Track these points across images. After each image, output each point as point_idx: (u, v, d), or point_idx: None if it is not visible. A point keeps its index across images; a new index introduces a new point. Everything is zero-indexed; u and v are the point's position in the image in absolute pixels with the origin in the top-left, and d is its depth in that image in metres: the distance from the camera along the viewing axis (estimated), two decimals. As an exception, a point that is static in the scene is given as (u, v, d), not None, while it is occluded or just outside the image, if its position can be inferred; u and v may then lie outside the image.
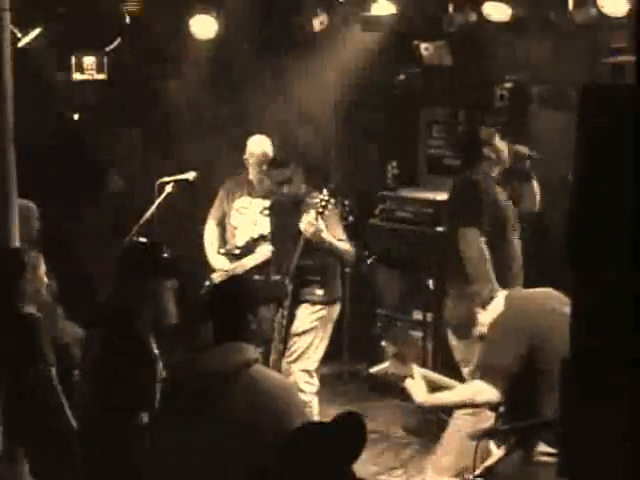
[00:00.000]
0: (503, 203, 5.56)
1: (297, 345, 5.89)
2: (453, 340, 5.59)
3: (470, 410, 5.12)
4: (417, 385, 4.43)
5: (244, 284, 4.06)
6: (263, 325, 3.83)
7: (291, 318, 5.86)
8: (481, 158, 5.57)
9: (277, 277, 5.91)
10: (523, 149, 5.67)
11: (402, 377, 4.44)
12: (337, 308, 6.09)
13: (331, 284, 6.01)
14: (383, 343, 6.82)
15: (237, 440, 3.49)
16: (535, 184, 5.80)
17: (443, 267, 6.09)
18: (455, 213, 5.66)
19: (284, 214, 6.06)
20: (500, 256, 5.44)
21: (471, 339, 5.09)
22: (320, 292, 5.91)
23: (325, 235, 5.76)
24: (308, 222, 5.68)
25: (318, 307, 5.92)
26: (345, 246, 5.97)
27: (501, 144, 5.58)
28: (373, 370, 4.73)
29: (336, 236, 5.89)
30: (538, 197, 5.84)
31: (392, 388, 6.99)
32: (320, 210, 5.68)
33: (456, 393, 4.51)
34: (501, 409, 4.92)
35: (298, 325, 5.90)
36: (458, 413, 5.24)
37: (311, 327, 5.91)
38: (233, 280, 4.80)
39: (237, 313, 3.72)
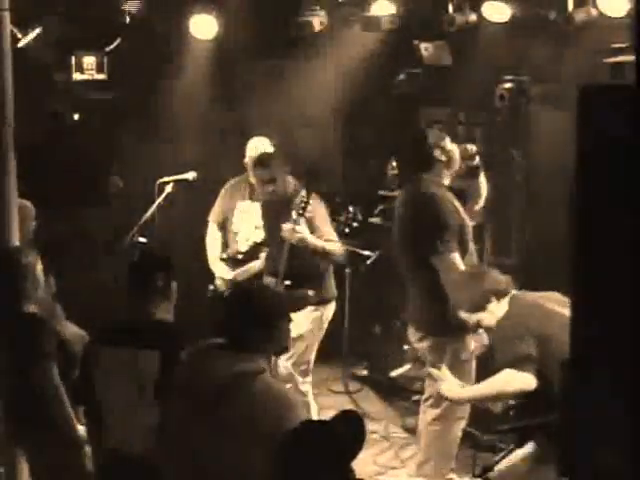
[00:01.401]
0: (460, 211, 5.17)
1: (294, 350, 5.84)
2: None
3: (438, 412, 5.13)
4: (450, 382, 4.46)
5: (260, 294, 4.00)
6: (276, 335, 3.80)
7: None
8: (432, 162, 5.17)
9: (270, 279, 5.86)
10: (470, 147, 5.42)
11: (422, 380, 4.47)
12: (332, 307, 6.04)
13: (324, 284, 5.97)
14: (405, 347, 6.80)
15: (239, 447, 3.50)
16: (482, 179, 5.46)
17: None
18: (423, 240, 5.04)
19: (274, 215, 6.00)
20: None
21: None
22: (313, 293, 5.87)
23: (309, 239, 5.71)
24: (289, 229, 5.65)
25: (312, 308, 5.88)
26: (332, 246, 5.91)
27: (452, 146, 5.21)
28: (394, 374, 4.72)
29: (323, 236, 5.82)
30: (484, 192, 5.51)
31: (393, 388, 7.03)
32: (300, 211, 5.63)
33: (487, 385, 4.50)
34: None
35: (293, 329, 5.84)
36: (429, 419, 5.24)
37: (307, 330, 5.87)
38: (249, 290, 4.76)
39: (251, 323, 3.69)
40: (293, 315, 5.77)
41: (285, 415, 3.54)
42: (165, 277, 4.16)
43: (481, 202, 5.54)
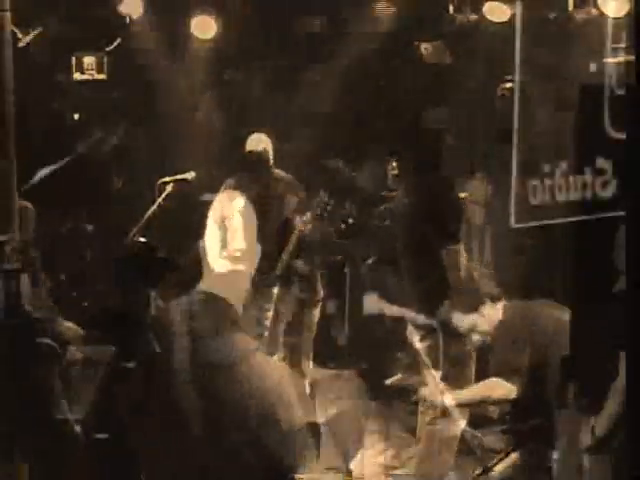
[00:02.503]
0: (463, 210, 5.35)
1: (289, 359, 5.86)
2: None
3: (437, 412, 5.13)
4: (434, 387, 4.47)
5: None
6: (261, 315, 3.87)
7: (277, 315, 5.81)
8: (440, 162, 5.32)
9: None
10: None
11: (416, 387, 4.48)
12: (319, 308, 6.09)
13: (315, 285, 6.01)
14: (399, 354, 6.81)
15: (240, 424, 3.51)
16: None
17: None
18: (433, 234, 5.08)
19: (261, 213, 6.00)
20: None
21: None
22: (305, 294, 5.88)
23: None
24: (306, 220, 5.65)
25: (303, 309, 5.91)
26: None
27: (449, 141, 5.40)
28: (388, 382, 4.73)
29: None
30: None
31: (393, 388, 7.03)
32: (318, 212, 5.65)
33: (472, 390, 4.55)
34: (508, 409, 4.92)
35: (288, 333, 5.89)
36: (428, 419, 5.24)
37: (300, 333, 5.90)
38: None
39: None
40: (284, 312, 5.85)
41: (288, 383, 3.58)
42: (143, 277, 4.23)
43: None
